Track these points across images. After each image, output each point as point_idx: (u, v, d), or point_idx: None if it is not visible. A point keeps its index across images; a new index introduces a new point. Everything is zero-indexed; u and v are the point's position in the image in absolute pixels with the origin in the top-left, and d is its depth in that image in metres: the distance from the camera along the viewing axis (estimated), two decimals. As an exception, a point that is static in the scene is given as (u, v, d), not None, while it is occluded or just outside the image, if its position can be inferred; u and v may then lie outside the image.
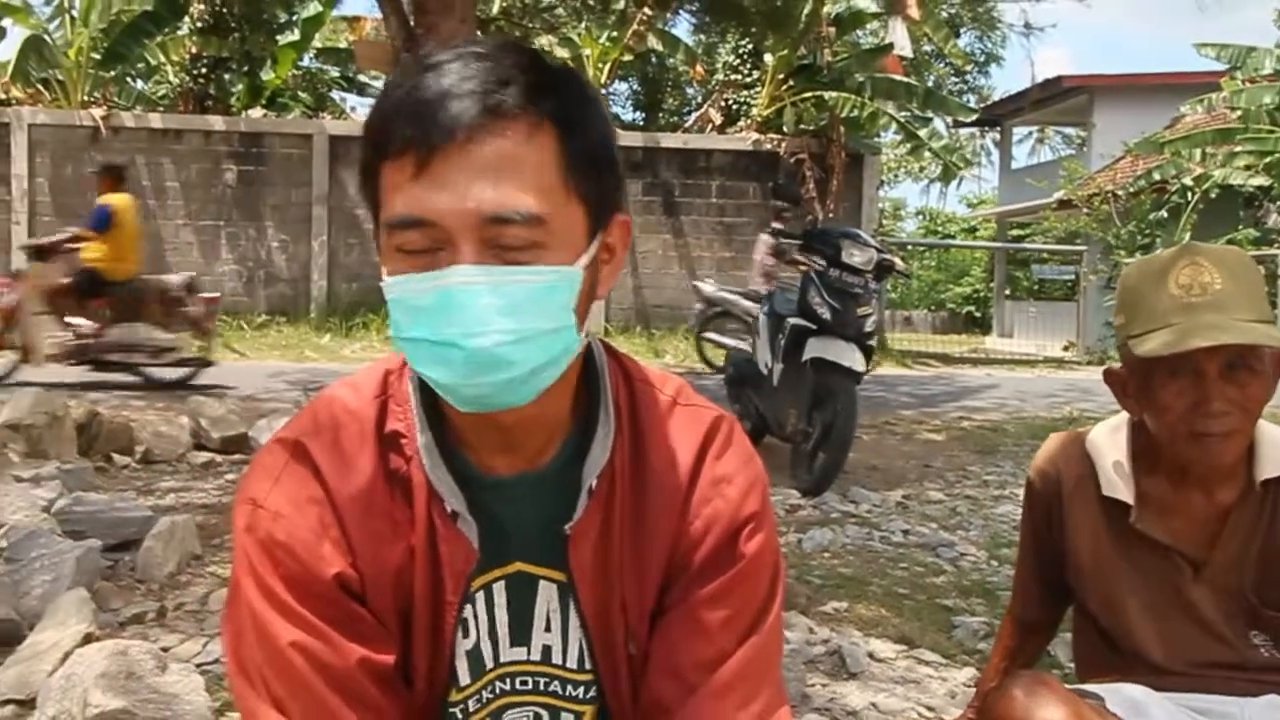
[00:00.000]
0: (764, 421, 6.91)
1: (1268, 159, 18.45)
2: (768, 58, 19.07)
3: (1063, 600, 2.34)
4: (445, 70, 1.19)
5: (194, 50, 18.98)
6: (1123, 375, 2.04)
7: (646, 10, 16.49)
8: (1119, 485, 2.08)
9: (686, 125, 21.79)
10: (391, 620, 1.34)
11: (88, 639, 3.16)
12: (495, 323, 1.15)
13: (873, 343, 6.54)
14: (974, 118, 27.67)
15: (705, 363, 14.24)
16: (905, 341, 21.94)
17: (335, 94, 25.69)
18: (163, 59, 20.03)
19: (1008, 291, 29.64)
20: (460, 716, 1.43)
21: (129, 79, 21.49)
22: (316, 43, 20.84)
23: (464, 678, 1.41)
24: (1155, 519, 2.06)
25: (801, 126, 18.57)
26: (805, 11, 15.33)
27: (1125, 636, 2.12)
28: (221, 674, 3.24)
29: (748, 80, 19.82)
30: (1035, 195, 25.64)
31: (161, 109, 20.23)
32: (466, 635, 1.40)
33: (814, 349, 6.27)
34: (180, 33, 19.13)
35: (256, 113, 19.08)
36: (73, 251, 10.50)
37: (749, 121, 19.18)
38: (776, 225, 15.31)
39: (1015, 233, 32.83)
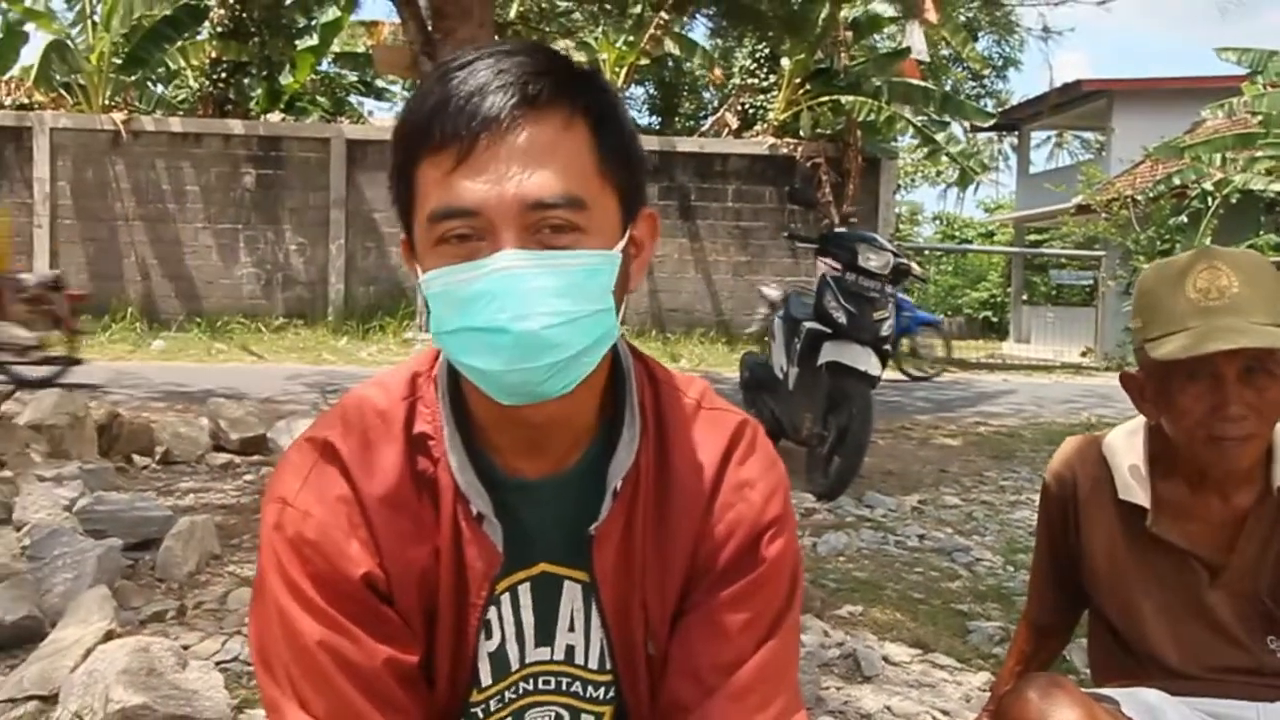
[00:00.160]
0: (779, 425, 6.90)
1: (1289, 164, 18.36)
2: (784, 62, 19.04)
3: (1078, 604, 2.33)
4: (478, 68, 1.22)
5: (214, 55, 19.04)
6: (1140, 379, 2.03)
7: (663, 14, 16.49)
8: (1135, 489, 2.08)
9: (703, 129, 21.79)
10: (416, 620, 1.36)
11: (109, 636, 3.19)
12: (543, 305, 1.18)
13: (888, 347, 6.54)
14: (991, 122, 27.56)
15: None
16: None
17: (353, 98, 25.82)
18: (183, 64, 20.11)
19: (1025, 297, 29.53)
20: (481, 716, 1.45)
21: (150, 83, 21.61)
22: (335, 47, 20.94)
23: (485, 678, 1.42)
24: (1172, 523, 2.06)
25: (818, 131, 18.56)
26: (822, 15, 15.29)
27: (1141, 641, 2.12)
28: (241, 672, 3.27)
29: (764, 84, 19.80)
30: (1053, 200, 25.51)
31: (181, 113, 20.30)
32: (490, 637, 1.41)
33: (829, 353, 6.27)
34: (200, 38, 19.24)
35: (275, 117, 19.16)
36: None
37: (765, 126, 19.17)
38: (841, 229, 15.38)
39: (1033, 238, 32.70)
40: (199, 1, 18.44)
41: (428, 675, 1.38)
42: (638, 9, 14.84)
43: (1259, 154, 18.77)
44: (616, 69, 19.62)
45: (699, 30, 20.32)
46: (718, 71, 21.90)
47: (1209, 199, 18.91)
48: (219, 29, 18.80)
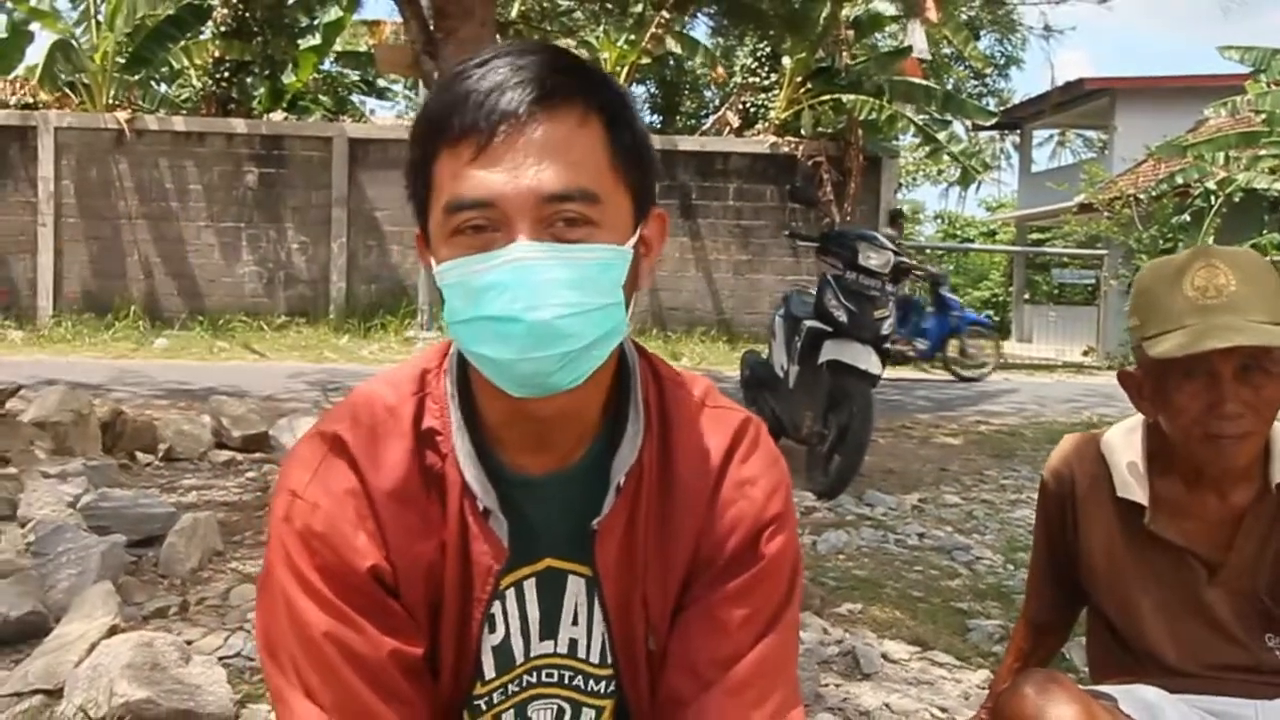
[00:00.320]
0: (779, 424, 6.90)
1: (1292, 163, 18.32)
2: (786, 61, 19.00)
3: (1076, 602, 2.34)
4: (497, 65, 1.25)
5: (217, 54, 19.04)
6: (1138, 377, 2.04)
7: (664, 13, 16.49)
8: (1133, 486, 2.09)
9: (704, 128, 21.75)
10: (421, 613, 1.37)
11: (113, 631, 3.21)
12: (555, 296, 1.20)
13: (889, 345, 6.54)
14: (993, 121, 27.54)
15: None
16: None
17: (355, 98, 25.86)
18: (186, 63, 20.12)
19: (1027, 296, 29.49)
20: (485, 708, 1.46)
21: (153, 83, 21.61)
22: (337, 47, 20.97)
23: (489, 671, 1.44)
24: (1169, 521, 2.06)
25: (819, 129, 18.53)
26: (824, 14, 15.28)
27: (1139, 638, 2.12)
28: (243, 667, 3.29)
29: (766, 83, 19.77)
30: (1055, 199, 25.49)
31: (185, 112, 20.31)
32: (493, 630, 1.42)
33: (830, 351, 6.27)
34: (203, 37, 19.23)
35: (278, 116, 19.16)
36: None
37: (766, 124, 19.14)
38: (891, 232, 15.43)
39: (1035, 237, 32.65)
40: (202, 1, 18.45)
41: (432, 668, 1.40)
42: (639, 8, 14.83)
43: (1262, 152, 18.69)
44: (618, 68, 19.61)
45: (700, 29, 20.29)
46: (719, 70, 21.88)
47: (1212, 198, 18.85)
48: (222, 28, 18.80)
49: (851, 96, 17.94)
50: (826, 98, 18.34)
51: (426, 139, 1.27)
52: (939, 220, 45.27)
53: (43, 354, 13.79)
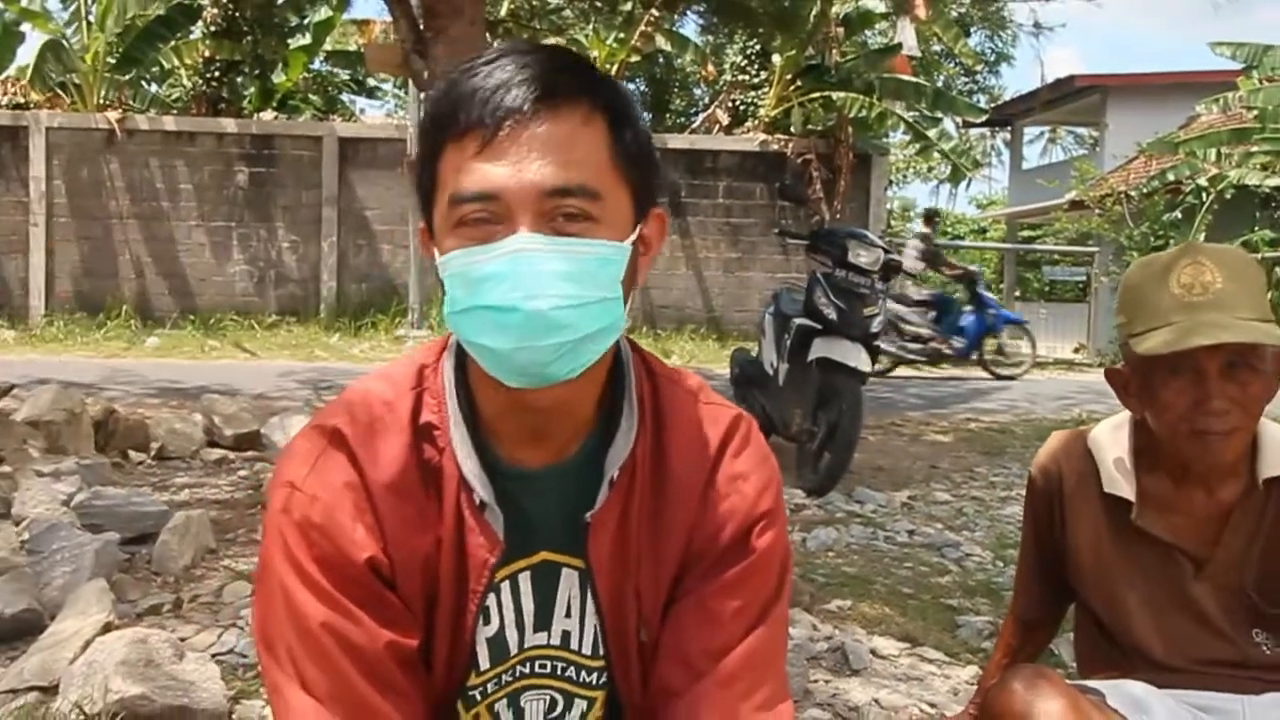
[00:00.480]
0: (769, 421, 6.89)
1: (1286, 159, 18.33)
2: (775, 58, 18.99)
3: (1064, 598, 2.35)
4: (503, 63, 1.28)
5: (207, 54, 19.00)
6: (1125, 374, 2.05)
7: (654, 11, 16.48)
8: (1120, 482, 2.10)
9: (693, 126, 21.73)
10: (417, 605, 1.39)
11: (107, 628, 3.21)
12: (553, 287, 1.22)
13: (879, 343, 6.55)
14: (984, 118, 27.57)
15: None
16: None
17: (345, 97, 25.84)
18: (176, 63, 20.05)
19: (1018, 293, 29.46)
20: (479, 698, 1.48)
21: (144, 82, 21.54)
22: (327, 46, 20.90)
23: (484, 662, 1.45)
24: (1156, 516, 2.07)
25: (809, 127, 18.51)
26: (813, 12, 15.31)
27: (1126, 633, 2.14)
28: (237, 664, 3.30)
29: (755, 81, 19.76)
30: (1046, 196, 25.47)
31: (175, 112, 20.26)
32: (488, 622, 1.44)
33: (819, 349, 6.27)
34: (193, 37, 19.17)
35: (268, 115, 19.11)
36: None
37: (756, 122, 19.13)
38: (926, 231, 15.43)
39: (1026, 234, 32.66)
40: (192, 1, 18.41)
41: (426, 659, 1.41)
42: (628, 6, 14.85)
43: (1254, 149, 18.67)
44: (607, 66, 19.58)
45: (690, 27, 20.28)
46: (709, 68, 21.87)
47: (1203, 194, 18.84)
48: (212, 28, 18.75)
49: (841, 94, 17.92)
50: (816, 95, 18.33)
51: (433, 134, 1.30)
52: (929, 217, 45.23)
53: (35, 353, 13.75)
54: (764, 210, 17.88)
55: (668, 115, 27.04)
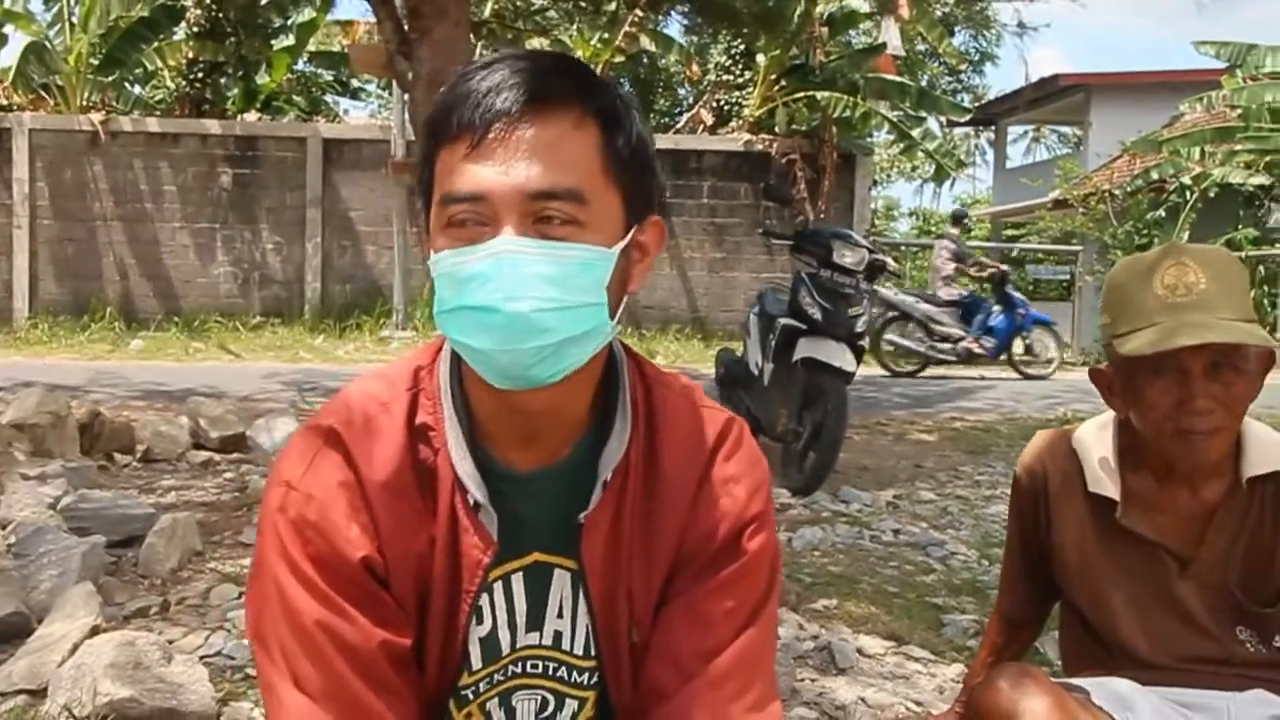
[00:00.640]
0: (754, 421, 6.87)
1: (1269, 157, 18.26)
2: (760, 58, 18.99)
3: (1049, 597, 2.36)
4: (499, 68, 1.29)
5: (190, 55, 18.93)
6: (1109, 374, 2.06)
7: (638, 11, 16.47)
8: (1105, 482, 2.11)
9: (678, 126, 21.72)
10: (410, 605, 1.40)
11: (95, 631, 3.21)
12: (535, 289, 1.23)
13: (864, 343, 6.56)
14: (968, 117, 27.63)
15: (884, 367, 14.27)
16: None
17: (329, 98, 25.77)
18: (160, 64, 19.96)
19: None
20: (471, 698, 1.49)
21: (127, 84, 21.43)
22: (311, 47, 20.85)
23: (476, 662, 1.46)
24: (1141, 515, 2.08)
25: (793, 127, 18.53)
26: (797, 12, 15.30)
27: (1111, 631, 2.14)
28: (224, 666, 3.30)
29: (739, 81, 19.78)
30: (1030, 195, 25.51)
31: (159, 113, 20.19)
32: (481, 622, 1.45)
33: (804, 349, 6.27)
34: (177, 38, 19.09)
35: (252, 117, 19.05)
36: None
37: (741, 122, 19.14)
38: (955, 232, 15.45)
39: (1010, 233, 32.67)
40: (175, 2, 18.35)
41: (418, 658, 1.42)
42: (612, 6, 14.83)
43: (1238, 148, 18.72)
44: (592, 66, 19.53)
45: (674, 27, 20.28)
46: (693, 68, 21.87)
47: (1187, 193, 18.88)
48: (195, 29, 18.68)
49: (825, 94, 17.95)
50: (800, 95, 18.35)
51: (430, 136, 1.32)
52: (914, 217, 45.38)
53: (19, 356, 13.69)
54: (749, 210, 17.90)
55: (652, 115, 27.03)
